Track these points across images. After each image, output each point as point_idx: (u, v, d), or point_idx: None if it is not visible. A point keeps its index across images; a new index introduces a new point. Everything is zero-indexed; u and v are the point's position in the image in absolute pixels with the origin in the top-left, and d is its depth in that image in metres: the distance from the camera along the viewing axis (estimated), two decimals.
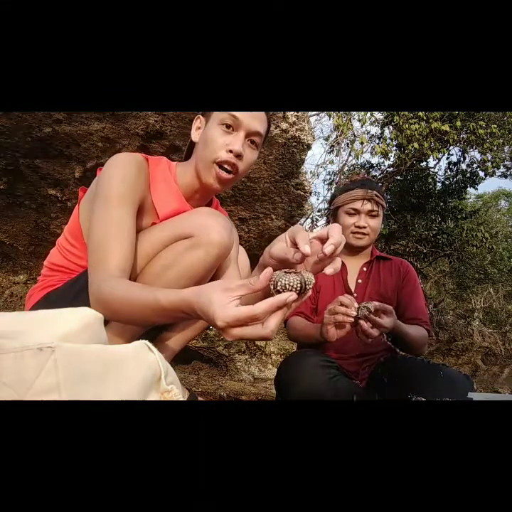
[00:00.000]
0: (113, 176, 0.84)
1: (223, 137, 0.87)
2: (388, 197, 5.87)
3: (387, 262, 1.38)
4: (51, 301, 0.90)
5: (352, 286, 1.32)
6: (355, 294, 1.30)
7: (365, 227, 1.29)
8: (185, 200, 0.95)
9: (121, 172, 0.85)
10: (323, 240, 0.64)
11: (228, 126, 0.87)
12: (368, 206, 1.29)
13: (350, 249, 1.35)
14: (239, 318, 0.56)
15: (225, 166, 0.88)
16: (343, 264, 1.35)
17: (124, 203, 0.82)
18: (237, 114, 0.87)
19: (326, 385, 1.01)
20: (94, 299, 0.76)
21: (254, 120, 0.89)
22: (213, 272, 0.93)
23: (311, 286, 0.60)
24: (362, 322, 1.00)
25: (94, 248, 0.80)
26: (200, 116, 0.96)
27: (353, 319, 1.01)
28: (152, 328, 0.95)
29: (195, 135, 0.95)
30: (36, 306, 0.92)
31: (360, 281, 1.33)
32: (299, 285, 0.58)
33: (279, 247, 0.67)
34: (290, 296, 0.57)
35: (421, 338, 1.22)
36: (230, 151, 0.87)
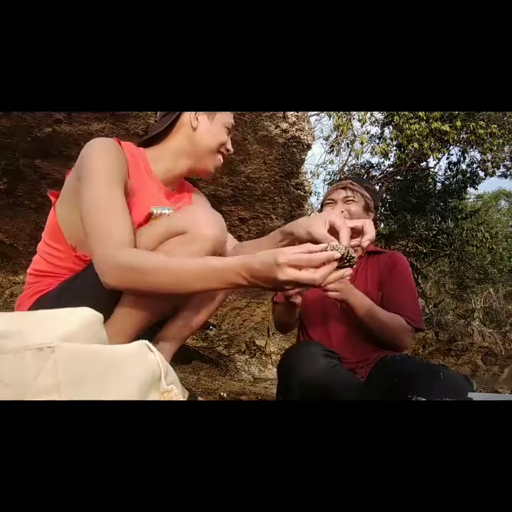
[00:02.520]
0: (95, 157, 0.86)
1: (225, 136, 1.05)
2: (388, 197, 5.87)
3: (378, 256, 1.35)
4: (43, 305, 0.88)
5: None
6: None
7: (342, 212, 1.30)
8: (160, 182, 1.00)
9: (102, 153, 0.87)
10: (357, 232, 0.73)
11: (228, 131, 1.06)
12: (343, 193, 1.33)
13: None
14: (299, 259, 0.66)
15: (221, 158, 1.06)
16: None
17: (112, 180, 0.84)
18: (233, 124, 1.08)
19: (326, 373, 1.02)
20: (113, 270, 0.76)
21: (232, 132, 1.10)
22: None
23: (353, 262, 0.71)
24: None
25: (93, 226, 0.80)
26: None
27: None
28: (150, 327, 0.94)
29: (194, 121, 1.01)
30: None
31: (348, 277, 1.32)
32: (345, 252, 0.70)
33: (318, 229, 0.76)
34: (335, 254, 0.68)
35: (396, 324, 1.18)
36: (227, 150, 1.07)
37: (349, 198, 1.32)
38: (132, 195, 0.92)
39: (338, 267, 0.70)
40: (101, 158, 0.86)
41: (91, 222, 0.80)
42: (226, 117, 1.05)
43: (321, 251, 0.68)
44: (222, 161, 1.06)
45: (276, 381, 1.20)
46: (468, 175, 5.56)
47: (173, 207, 1.01)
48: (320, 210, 1.42)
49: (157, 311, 0.92)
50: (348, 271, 0.71)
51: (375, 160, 5.83)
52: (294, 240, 0.92)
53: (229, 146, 1.06)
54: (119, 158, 0.89)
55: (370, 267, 1.34)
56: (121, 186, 0.86)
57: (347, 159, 5.56)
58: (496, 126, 4.58)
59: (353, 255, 0.71)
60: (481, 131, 4.49)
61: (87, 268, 0.87)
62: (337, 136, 5.13)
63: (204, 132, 1.02)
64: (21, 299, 0.96)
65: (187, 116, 1.01)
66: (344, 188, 1.34)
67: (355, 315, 1.17)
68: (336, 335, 1.28)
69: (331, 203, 1.34)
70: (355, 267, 0.74)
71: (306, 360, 1.04)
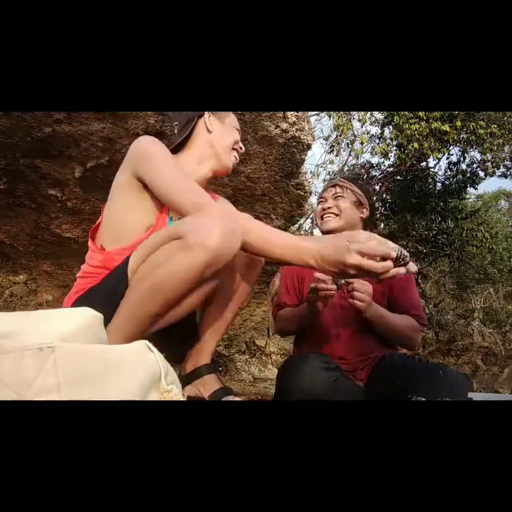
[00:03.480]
0: (155, 149, 0.95)
1: (237, 135, 1.15)
2: (388, 197, 5.87)
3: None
4: (77, 305, 0.93)
5: (339, 284, 1.33)
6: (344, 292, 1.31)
7: (330, 208, 1.34)
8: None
9: (154, 144, 0.97)
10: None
11: (238, 131, 1.16)
12: (332, 190, 1.37)
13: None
14: (369, 248, 0.77)
15: (236, 155, 1.15)
16: None
17: (172, 159, 0.96)
18: (238, 129, 1.17)
19: (327, 389, 1.01)
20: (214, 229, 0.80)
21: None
22: (216, 281, 0.90)
23: (407, 260, 0.79)
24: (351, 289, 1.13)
25: (183, 194, 0.90)
26: (211, 114, 1.14)
27: (334, 291, 1.12)
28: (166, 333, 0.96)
29: (210, 125, 1.12)
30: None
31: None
32: (400, 253, 0.79)
33: (358, 259, 0.79)
34: (392, 253, 0.77)
35: (407, 326, 1.23)
36: (241, 148, 1.17)
37: (338, 194, 1.35)
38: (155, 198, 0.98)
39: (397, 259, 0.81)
40: (159, 148, 0.95)
41: (178, 191, 0.90)
42: (233, 120, 1.16)
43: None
44: (238, 158, 1.16)
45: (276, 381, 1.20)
46: (468, 175, 5.56)
47: None
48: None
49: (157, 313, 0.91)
50: (402, 269, 0.79)
51: (375, 160, 5.84)
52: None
53: (241, 145, 1.17)
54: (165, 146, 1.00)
55: None
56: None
57: (347, 159, 5.56)
58: (496, 126, 4.58)
59: (406, 255, 0.80)
60: (481, 131, 4.49)
61: (107, 275, 0.94)
62: (337, 136, 5.12)
63: (219, 133, 1.12)
64: (67, 298, 1.03)
65: (202, 123, 1.11)
66: (333, 186, 1.39)
67: (372, 325, 1.20)
68: (338, 336, 1.28)
69: (322, 201, 1.38)
70: (415, 269, 0.80)
71: (305, 377, 1.03)
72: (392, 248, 0.79)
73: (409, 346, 1.30)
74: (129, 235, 0.97)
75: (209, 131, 1.11)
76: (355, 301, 1.11)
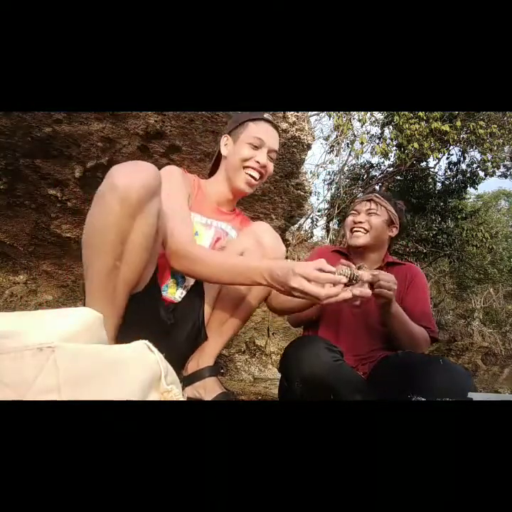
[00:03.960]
0: (165, 177, 0.97)
1: (251, 152, 1.13)
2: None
3: (397, 268, 1.38)
4: None
5: None
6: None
7: (362, 222, 1.34)
8: (211, 202, 1.19)
9: (172, 174, 1.07)
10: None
11: (255, 146, 1.12)
12: (367, 205, 1.36)
13: (357, 253, 1.37)
14: (310, 273, 0.80)
15: (252, 173, 1.13)
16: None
17: (176, 192, 1.04)
18: (262, 136, 1.13)
19: (329, 367, 1.02)
20: (174, 257, 0.94)
21: (273, 140, 1.16)
22: (148, 224, 0.84)
23: (356, 281, 0.85)
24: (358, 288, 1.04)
25: (171, 229, 0.96)
26: (227, 135, 1.18)
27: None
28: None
29: (224, 150, 1.18)
30: None
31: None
32: (351, 274, 0.83)
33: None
34: (342, 279, 0.82)
35: (422, 338, 1.22)
36: (257, 162, 1.12)
37: (372, 210, 1.36)
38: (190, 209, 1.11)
39: (346, 285, 0.85)
40: (169, 182, 1.00)
41: (169, 225, 0.95)
42: (251, 134, 1.13)
43: (330, 272, 0.82)
44: (256, 176, 1.14)
45: (277, 381, 1.21)
46: (468, 175, 5.56)
47: (219, 220, 1.18)
48: (343, 219, 1.45)
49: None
50: (347, 294, 0.83)
51: (375, 160, 5.84)
52: None
53: (259, 158, 1.11)
54: (181, 179, 1.09)
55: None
56: (184, 196, 1.07)
57: (347, 159, 5.56)
58: (496, 126, 4.58)
59: (357, 275, 0.83)
60: (481, 131, 4.48)
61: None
62: (337, 136, 5.12)
63: (230, 155, 1.15)
64: None
65: (221, 146, 1.18)
66: (369, 200, 1.38)
67: (391, 321, 1.18)
68: (345, 331, 1.28)
69: (354, 213, 1.38)
70: (367, 294, 0.83)
71: (309, 353, 1.04)
72: (344, 274, 0.83)
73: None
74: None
75: (224, 157, 1.18)
76: (383, 290, 1.07)
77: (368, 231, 1.33)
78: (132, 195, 0.77)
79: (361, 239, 1.33)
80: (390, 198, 1.42)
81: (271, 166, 1.18)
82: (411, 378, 1.00)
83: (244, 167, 1.13)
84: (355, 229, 1.34)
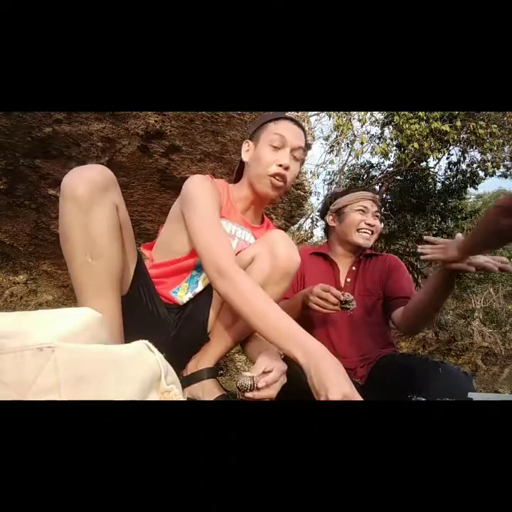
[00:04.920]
0: (195, 190, 1.02)
1: (273, 154, 1.07)
2: (388, 197, 5.87)
3: (375, 258, 1.41)
4: None
5: (342, 285, 1.35)
6: (346, 293, 1.32)
7: (374, 226, 1.34)
8: (234, 207, 1.13)
9: (200, 186, 1.03)
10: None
11: (275, 147, 1.07)
12: (375, 207, 1.36)
13: (348, 248, 1.37)
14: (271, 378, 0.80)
15: (277, 178, 1.06)
16: (336, 265, 1.39)
17: (211, 206, 1.00)
18: (283, 133, 1.06)
19: None
20: (224, 281, 0.87)
21: (296, 138, 1.08)
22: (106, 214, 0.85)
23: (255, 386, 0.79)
24: None
25: (205, 244, 0.93)
26: (249, 141, 1.14)
27: (334, 310, 1.11)
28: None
29: (245, 156, 1.14)
30: None
31: (349, 280, 1.36)
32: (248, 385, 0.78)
33: None
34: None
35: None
36: (280, 165, 1.05)
37: (377, 213, 1.36)
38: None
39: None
40: (199, 189, 1.01)
41: (202, 240, 0.93)
42: (271, 132, 1.07)
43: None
44: (280, 181, 1.07)
45: None
46: (468, 175, 5.55)
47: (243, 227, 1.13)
48: (337, 214, 1.41)
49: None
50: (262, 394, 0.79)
51: (375, 160, 5.84)
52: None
53: (282, 160, 1.05)
54: (213, 189, 1.05)
55: (370, 268, 1.37)
56: (218, 210, 1.03)
57: (347, 159, 5.56)
58: (496, 126, 4.58)
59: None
60: (481, 131, 4.49)
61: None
62: (337, 136, 5.12)
63: (251, 162, 1.11)
64: None
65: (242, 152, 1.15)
66: (375, 202, 1.36)
67: (440, 286, 1.11)
68: (339, 335, 1.28)
69: (364, 211, 1.34)
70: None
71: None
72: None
73: (421, 329, 1.31)
74: (174, 255, 1.07)
75: (246, 163, 1.14)
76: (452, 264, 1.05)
77: (374, 233, 1.34)
78: (78, 191, 0.81)
79: (371, 240, 1.34)
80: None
81: (295, 166, 1.11)
82: (410, 385, 0.99)
83: (268, 173, 1.06)
84: (363, 230, 1.33)
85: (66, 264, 0.87)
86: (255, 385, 0.77)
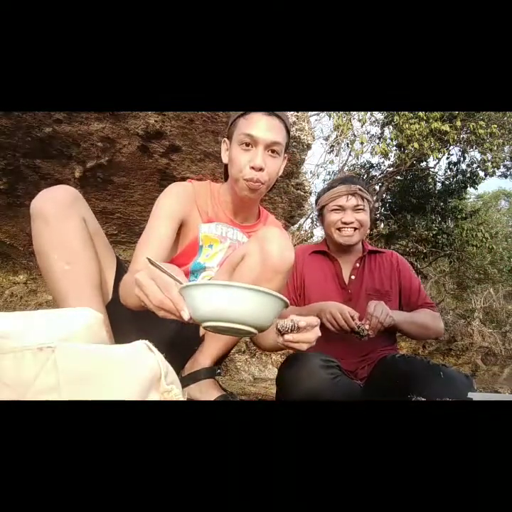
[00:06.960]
0: (160, 199, 1.04)
1: (244, 155, 0.99)
2: (388, 197, 5.87)
3: (379, 256, 1.38)
4: None
5: (346, 282, 1.33)
6: (349, 290, 1.31)
7: (352, 223, 1.27)
8: (222, 209, 1.11)
9: (166, 195, 1.05)
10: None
11: (247, 144, 0.98)
12: (353, 201, 1.27)
13: (341, 247, 1.34)
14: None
15: (249, 182, 0.99)
16: (337, 261, 1.36)
17: (162, 216, 1.01)
18: (251, 132, 0.97)
19: (325, 387, 1.01)
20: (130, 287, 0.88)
21: (268, 132, 0.98)
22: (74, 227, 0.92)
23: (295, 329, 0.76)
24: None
25: (136, 249, 0.98)
26: (226, 139, 1.08)
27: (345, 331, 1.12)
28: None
29: (224, 157, 1.08)
30: None
31: (353, 277, 1.33)
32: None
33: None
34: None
35: (431, 321, 1.27)
36: (252, 168, 0.98)
37: (359, 207, 1.28)
38: (198, 218, 1.08)
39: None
40: (161, 202, 1.03)
41: (141, 239, 0.98)
42: (240, 131, 0.99)
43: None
44: (255, 185, 0.99)
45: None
46: (468, 175, 5.55)
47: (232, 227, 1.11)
48: (320, 216, 1.38)
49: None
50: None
51: (375, 160, 5.83)
52: None
53: (253, 162, 0.97)
54: (178, 200, 1.04)
55: (376, 266, 1.36)
56: (171, 222, 1.01)
57: (347, 159, 5.55)
58: (496, 126, 4.58)
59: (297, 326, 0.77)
60: (481, 131, 4.48)
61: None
62: (337, 136, 5.12)
63: (229, 163, 1.05)
64: None
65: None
66: (354, 195, 1.27)
67: (401, 329, 1.21)
68: (340, 336, 1.28)
69: (338, 210, 1.28)
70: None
71: (304, 375, 1.02)
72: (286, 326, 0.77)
73: (438, 335, 1.31)
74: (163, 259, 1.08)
75: (224, 161, 1.09)
76: (383, 324, 1.10)
77: (357, 229, 1.28)
78: (45, 209, 0.88)
79: (354, 237, 1.28)
80: (362, 183, 1.35)
81: (273, 163, 1.01)
82: (412, 390, 0.99)
83: (242, 177, 0.99)
84: (344, 228, 1.28)
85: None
86: (296, 325, 0.74)
